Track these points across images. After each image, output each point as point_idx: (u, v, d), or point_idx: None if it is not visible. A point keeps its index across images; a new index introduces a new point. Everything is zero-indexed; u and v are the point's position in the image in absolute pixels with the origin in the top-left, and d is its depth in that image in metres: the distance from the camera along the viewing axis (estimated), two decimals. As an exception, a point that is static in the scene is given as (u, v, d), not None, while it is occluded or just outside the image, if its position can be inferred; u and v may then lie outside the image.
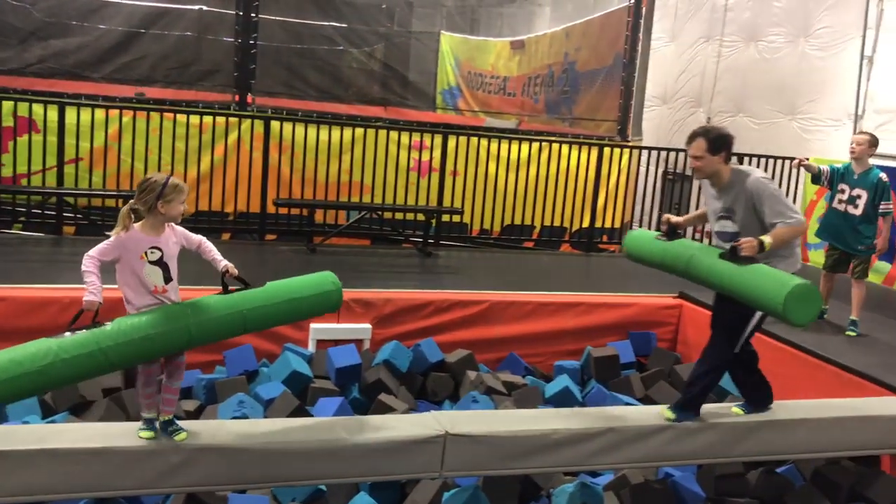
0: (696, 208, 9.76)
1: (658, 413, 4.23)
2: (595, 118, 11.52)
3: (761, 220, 4.01)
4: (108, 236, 3.32)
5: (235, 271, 3.46)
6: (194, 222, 8.01)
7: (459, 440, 3.76)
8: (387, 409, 5.03)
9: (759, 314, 4.12)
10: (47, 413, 4.90)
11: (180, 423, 3.52)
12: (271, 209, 7.98)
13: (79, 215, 7.89)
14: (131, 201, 3.36)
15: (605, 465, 4.40)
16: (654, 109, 13.48)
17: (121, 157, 7.75)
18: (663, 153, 10.42)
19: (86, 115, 7.73)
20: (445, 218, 8.72)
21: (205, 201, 7.94)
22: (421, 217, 8.43)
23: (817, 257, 8.32)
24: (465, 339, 6.21)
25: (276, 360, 5.54)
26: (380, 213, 8.32)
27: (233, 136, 8.24)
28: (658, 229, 4.54)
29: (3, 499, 3.22)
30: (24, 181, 7.72)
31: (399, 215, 8.56)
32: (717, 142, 4.04)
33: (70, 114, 7.59)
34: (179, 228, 3.47)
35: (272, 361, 5.65)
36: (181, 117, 7.98)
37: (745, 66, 11.86)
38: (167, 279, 3.37)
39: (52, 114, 7.54)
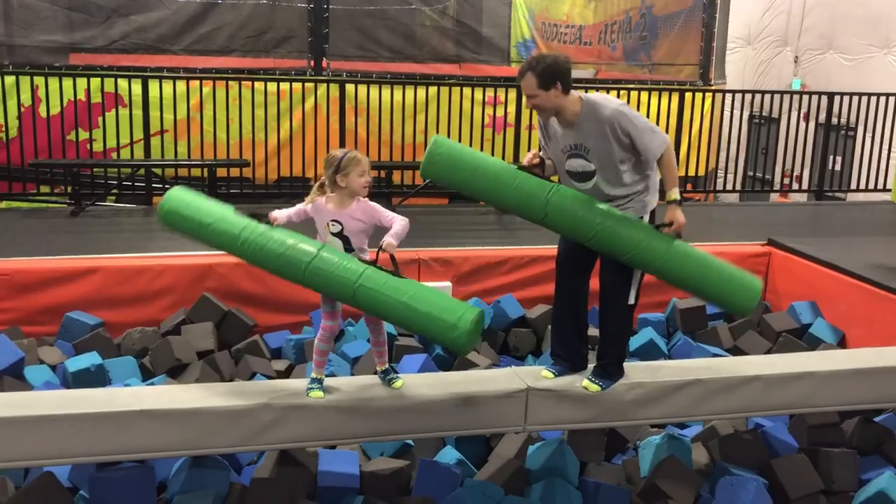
0: (784, 152, 9.39)
1: (582, 386, 3.81)
2: (675, 63, 11.17)
3: (623, 150, 3.56)
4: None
5: (393, 251, 3.36)
6: (277, 188, 8.19)
7: (541, 394, 3.77)
8: (469, 366, 5.07)
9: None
10: (147, 376, 5.13)
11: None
12: (350, 172, 8.06)
13: (167, 185, 8.13)
14: (323, 176, 3.53)
15: (693, 418, 4.33)
16: (738, 51, 12.99)
17: (203, 128, 7.94)
18: (748, 96, 10.06)
19: (168, 87, 7.94)
20: (523, 173, 8.62)
21: (286, 167, 8.07)
22: (498, 173, 8.36)
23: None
24: (544, 294, 6.14)
25: (362, 319, 5.64)
26: (457, 171, 8.28)
27: (310, 102, 8.33)
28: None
29: (105, 457, 3.41)
30: (114, 155, 8.01)
31: (476, 172, 8.50)
32: (546, 74, 3.49)
33: (153, 87, 7.81)
34: (372, 206, 3.48)
35: (357, 321, 5.75)
36: (259, 85, 8.11)
37: (835, -1, 11.28)
38: (348, 250, 3.47)
39: (137, 88, 7.76)
